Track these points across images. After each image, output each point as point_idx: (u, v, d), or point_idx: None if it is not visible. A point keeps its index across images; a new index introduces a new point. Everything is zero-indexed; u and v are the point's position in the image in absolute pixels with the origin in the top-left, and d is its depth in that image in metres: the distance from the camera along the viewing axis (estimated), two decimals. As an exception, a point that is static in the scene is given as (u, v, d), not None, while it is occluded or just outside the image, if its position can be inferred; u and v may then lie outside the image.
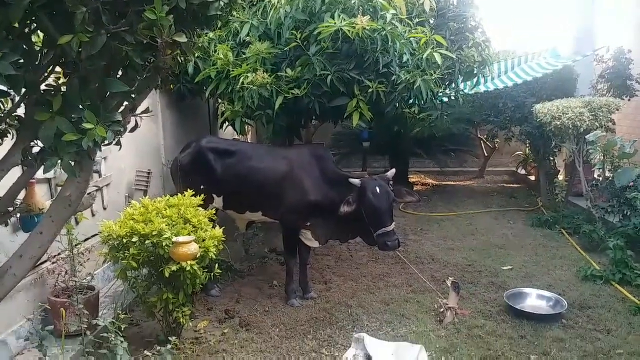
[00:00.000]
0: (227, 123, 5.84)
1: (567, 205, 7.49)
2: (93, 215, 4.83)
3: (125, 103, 2.08)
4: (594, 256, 5.63)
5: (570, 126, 6.22)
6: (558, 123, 6.34)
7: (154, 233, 3.54)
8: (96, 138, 1.71)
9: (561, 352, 3.69)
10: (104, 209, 5.04)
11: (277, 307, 4.57)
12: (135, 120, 2.26)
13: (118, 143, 2.05)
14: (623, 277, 4.87)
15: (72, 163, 1.84)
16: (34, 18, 1.71)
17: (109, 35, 1.65)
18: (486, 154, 11.21)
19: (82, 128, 1.69)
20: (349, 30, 4.55)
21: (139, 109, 2.28)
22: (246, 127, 7.27)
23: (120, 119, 1.88)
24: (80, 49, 1.60)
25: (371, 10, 4.97)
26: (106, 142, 1.85)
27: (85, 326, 3.17)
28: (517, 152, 10.56)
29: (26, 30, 1.79)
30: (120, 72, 2.00)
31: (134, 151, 5.78)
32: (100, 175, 4.94)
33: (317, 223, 4.61)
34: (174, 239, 3.42)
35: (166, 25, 1.66)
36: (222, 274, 5.22)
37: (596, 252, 5.70)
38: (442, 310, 4.23)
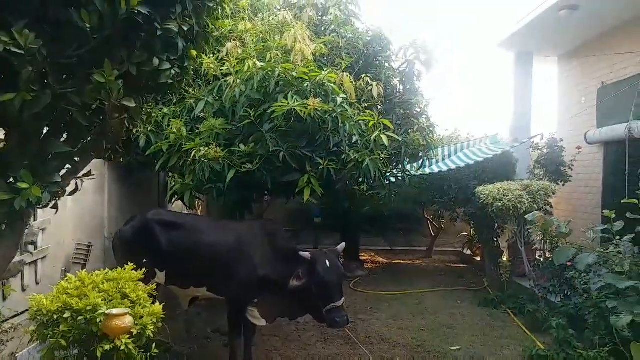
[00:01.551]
0: (176, 197, 5.77)
1: (512, 285, 7.66)
2: (24, 290, 4.51)
3: (68, 166, 2.03)
4: (539, 336, 5.70)
5: (511, 208, 6.52)
6: (500, 204, 6.65)
7: (88, 308, 3.30)
8: (31, 199, 1.64)
9: None
10: (37, 283, 4.73)
11: (219, 392, 4.28)
12: (76, 183, 2.19)
13: (55, 206, 1.96)
14: (567, 356, 4.92)
15: (2, 225, 1.74)
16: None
17: (54, 95, 1.64)
18: (433, 234, 11.48)
19: (17, 188, 1.62)
20: (301, 111, 4.73)
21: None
22: (196, 202, 7.19)
23: (59, 180, 1.82)
24: (23, 108, 1.58)
25: (323, 93, 5.21)
26: (42, 203, 1.77)
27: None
28: (463, 233, 10.89)
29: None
30: (64, 135, 1.97)
31: (76, 223, 5.56)
32: (35, 248, 4.68)
33: (266, 299, 4.47)
34: (108, 311, 3.21)
35: (115, 89, 1.68)
36: (161, 356, 4.90)
37: (540, 331, 5.78)
38: (391, 393, 4.09)
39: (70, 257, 5.28)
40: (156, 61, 1.83)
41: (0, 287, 3.69)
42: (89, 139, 1.99)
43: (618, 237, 4.26)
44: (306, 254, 4.24)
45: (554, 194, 7.31)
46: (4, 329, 3.71)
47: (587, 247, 5.30)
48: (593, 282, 4.61)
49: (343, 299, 4.20)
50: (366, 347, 5.40)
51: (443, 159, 9.40)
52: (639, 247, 4.60)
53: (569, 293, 6.12)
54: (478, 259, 10.38)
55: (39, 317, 3.40)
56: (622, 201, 4.44)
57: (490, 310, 6.93)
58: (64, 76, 1.70)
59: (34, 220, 4.68)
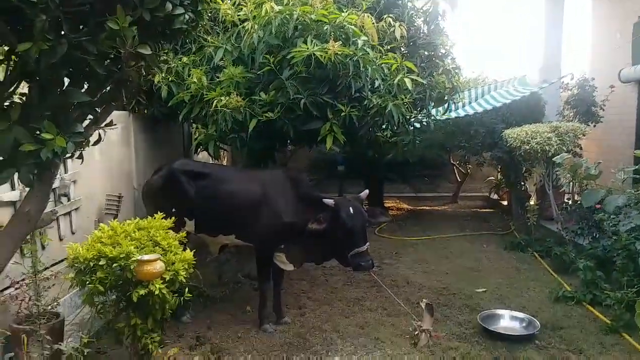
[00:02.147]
0: (201, 147, 5.82)
1: (539, 228, 7.61)
2: (61, 239, 4.70)
3: (90, 117, 2.05)
4: (566, 278, 5.70)
5: (539, 150, 6.39)
6: (527, 147, 6.51)
7: (121, 256, 3.44)
8: (56, 149, 1.67)
9: (534, 373, 3.69)
10: (73, 233, 4.91)
11: (250, 333, 4.46)
12: (99, 134, 2.21)
13: (80, 156, 2.00)
14: (594, 297, 4.93)
15: (31, 176, 1.79)
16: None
17: (70, 44, 1.63)
18: (459, 179, 11.39)
19: (41, 139, 1.65)
20: (321, 55, 4.62)
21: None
22: (221, 151, 7.25)
23: (82, 130, 1.84)
24: (40, 58, 1.58)
25: (343, 36, 5.06)
26: (67, 154, 1.81)
27: (48, 353, 3.03)
28: (490, 178, 10.76)
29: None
30: (84, 85, 1.97)
31: (105, 175, 5.68)
32: (69, 199, 4.83)
33: (292, 245, 4.56)
34: (139, 257, 3.32)
35: (129, 36, 1.66)
36: (194, 300, 5.11)
37: (567, 274, 5.78)
38: (416, 333, 4.18)
39: (102, 208, 5.44)
40: (169, 6, 1.79)
41: (38, 236, 3.83)
42: (108, 88, 1.98)
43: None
44: (330, 201, 4.28)
45: (584, 135, 7.10)
46: (45, 276, 3.89)
47: (618, 189, 5.19)
48: (622, 224, 4.53)
49: (367, 244, 4.26)
50: (391, 289, 5.48)
51: (469, 102, 9.17)
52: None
53: (597, 235, 6.06)
54: (505, 203, 10.30)
55: (76, 265, 3.55)
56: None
57: (516, 254, 6.94)
58: (80, 25, 1.68)
59: (65, 173, 4.81)
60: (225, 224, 4.59)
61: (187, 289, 3.73)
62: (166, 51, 2.25)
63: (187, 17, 1.96)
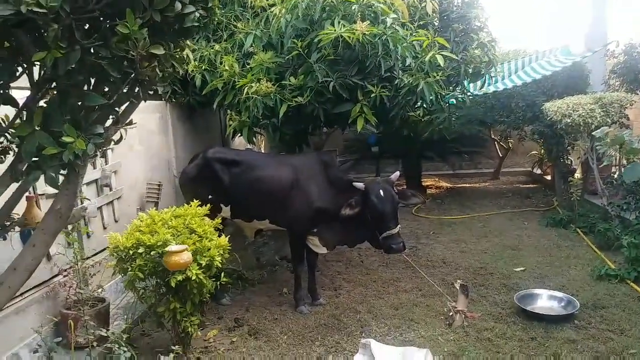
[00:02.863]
0: (236, 133, 5.92)
1: (583, 204, 7.35)
2: (105, 228, 4.93)
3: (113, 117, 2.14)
4: (610, 255, 5.51)
5: (581, 123, 6.13)
6: (569, 121, 6.25)
7: (159, 244, 3.59)
8: (76, 151, 1.76)
9: (572, 354, 3.62)
10: (116, 221, 5.14)
11: (286, 314, 4.58)
12: (120, 133, 2.31)
13: (104, 155, 2.08)
14: (638, 275, 4.76)
15: (57, 176, 1.89)
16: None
17: (83, 50, 1.70)
18: (501, 155, 11.09)
19: (63, 142, 1.74)
20: (348, 37, 4.57)
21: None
22: (258, 137, 7.36)
23: (102, 131, 1.93)
24: (55, 65, 1.65)
25: (372, 15, 4.99)
26: (89, 155, 1.90)
27: (92, 337, 3.22)
28: (532, 152, 10.43)
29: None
30: (104, 87, 2.05)
31: (145, 164, 5.89)
32: (111, 189, 5.05)
33: (324, 229, 4.62)
34: (167, 248, 3.46)
35: (140, 38, 1.71)
36: (233, 283, 5.29)
37: (612, 250, 5.59)
38: (451, 313, 4.19)
39: (144, 197, 5.66)
40: (179, 5, 1.83)
41: (78, 227, 4.03)
42: (126, 89, 2.06)
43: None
44: (360, 184, 4.29)
45: (631, 105, 6.74)
46: (89, 264, 4.12)
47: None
48: (670, 198, 4.32)
49: (399, 226, 4.26)
50: (428, 270, 5.49)
51: (510, 75, 8.86)
52: None
53: (646, 210, 5.79)
54: (548, 178, 9.97)
55: (116, 253, 3.74)
56: None
57: (558, 230, 6.75)
58: (92, 31, 1.74)
59: (106, 164, 5.02)
60: (259, 209, 4.69)
61: (222, 274, 3.87)
62: (180, 48, 2.27)
63: (197, 14, 1.99)
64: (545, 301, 4.45)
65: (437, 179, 11.28)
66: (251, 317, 4.56)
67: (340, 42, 4.65)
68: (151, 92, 2.41)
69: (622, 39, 7.83)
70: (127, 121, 2.24)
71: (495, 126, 9.95)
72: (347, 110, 5.11)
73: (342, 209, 4.26)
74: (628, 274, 4.79)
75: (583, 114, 6.10)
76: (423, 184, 10.30)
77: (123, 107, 2.22)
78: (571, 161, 8.85)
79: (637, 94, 7.60)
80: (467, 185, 10.86)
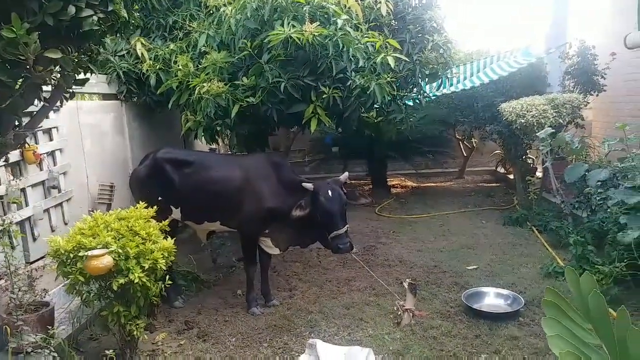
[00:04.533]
0: (192, 133, 5.86)
1: (541, 202, 7.50)
2: (53, 230, 4.83)
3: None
4: (561, 252, 5.64)
5: (535, 124, 6.26)
6: (523, 121, 6.39)
7: (99, 247, 3.53)
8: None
9: (512, 350, 3.69)
10: (65, 224, 5.04)
11: (238, 316, 4.55)
12: (23, 136, 2.25)
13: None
14: (584, 272, 4.85)
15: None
16: None
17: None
18: (465, 155, 11.25)
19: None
20: (298, 38, 4.57)
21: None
22: (222, 137, 7.29)
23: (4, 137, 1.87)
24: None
25: (324, 16, 5.00)
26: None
27: (26, 343, 3.15)
28: (496, 152, 10.60)
29: None
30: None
31: (98, 165, 5.79)
32: (59, 191, 4.95)
33: (276, 230, 4.61)
34: (88, 252, 3.40)
35: (31, 42, 1.66)
36: (187, 285, 5.24)
37: (562, 248, 5.70)
38: (399, 312, 4.23)
39: (96, 198, 5.56)
40: (72, 9, 1.79)
41: (8, 232, 3.91)
42: (19, 93, 2.00)
43: (634, 151, 4.02)
44: (309, 185, 4.30)
45: (584, 105, 6.92)
46: (33, 267, 4.02)
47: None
48: (610, 197, 4.43)
49: (347, 226, 4.28)
50: (384, 269, 5.54)
51: (472, 75, 8.99)
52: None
53: (595, 208, 5.94)
54: (511, 177, 10.15)
55: (58, 256, 3.66)
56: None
57: (515, 229, 6.88)
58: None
59: (54, 165, 4.92)
60: (210, 211, 4.65)
61: (167, 276, 3.83)
62: (79, 52, 2.20)
63: (95, 18, 1.95)
64: (492, 299, 4.53)
65: (403, 179, 11.37)
66: (202, 319, 4.52)
67: (290, 43, 4.65)
68: (67, 95, 2.35)
69: (576, 41, 8.01)
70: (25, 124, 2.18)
71: (458, 126, 10.09)
72: (301, 111, 5.12)
73: (292, 210, 4.27)
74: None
75: (536, 114, 6.24)
76: (388, 183, 10.38)
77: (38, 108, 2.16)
78: (533, 160, 9.05)
79: (592, 95, 7.78)
80: (432, 184, 10.98)
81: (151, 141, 7.01)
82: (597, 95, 7.77)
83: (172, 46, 5.96)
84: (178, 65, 5.49)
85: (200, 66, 5.40)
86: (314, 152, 10.79)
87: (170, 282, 3.86)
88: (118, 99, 6.42)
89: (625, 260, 4.44)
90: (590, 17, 8.94)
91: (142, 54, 5.93)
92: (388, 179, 10.47)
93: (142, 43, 5.96)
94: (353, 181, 9.39)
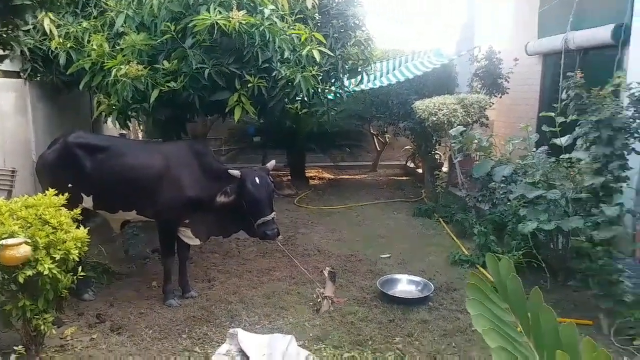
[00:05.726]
0: (106, 117, 5.55)
1: (447, 195, 8.01)
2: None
3: None
4: (466, 242, 6.09)
5: (445, 122, 6.66)
6: (435, 119, 6.77)
7: (4, 236, 3.27)
8: None
9: (424, 333, 3.95)
10: (-42, 212, 4.57)
11: (154, 308, 4.42)
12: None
13: None
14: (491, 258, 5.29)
15: None
16: None
17: None
18: (379, 149, 11.69)
19: None
20: (224, 25, 4.50)
21: None
22: (134, 122, 6.97)
23: None
24: None
25: (251, 4, 4.96)
26: None
27: None
28: (406, 147, 11.13)
29: None
30: None
31: (-4, 148, 5.31)
32: (-49, 175, 4.49)
33: (197, 220, 4.52)
34: (3, 241, 3.17)
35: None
36: (98, 277, 4.99)
37: (467, 238, 6.16)
38: (319, 300, 4.35)
39: (-6, 184, 5.10)
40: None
41: None
42: None
43: (534, 149, 4.46)
44: (236, 172, 4.28)
45: (490, 106, 7.47)
46: None
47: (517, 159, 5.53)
48: (511, 191, 4.87)
49: (274, 213, 4.32)
50: (303, 258, 5.63)
51: (387, 73, 9.35)
52: (556, 158, 4.86)
53: (496, 202, 6.47)
54: (420, 171, 10.72)
55: (-48, 247, 3.33)
56: (540, 114, 4.59)
57: (423, 220, 7.30)
58: None
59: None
60: (125, 199, 4.45)
61: (80, 268, 3.63)
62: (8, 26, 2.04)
63: None
64: (405, 285, 4.80)
65: (320, 170, 11.58)
66: (115, 312, 4.33)
67: (216, 29, 4.57)
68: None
69: (485, 45, 8.61)
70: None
71: (373, 121, 10.46)
72: (224, 99, 5.05)
73: (217, 196, 4.22)
74: (477, 259, 5.34)
75: (447, 113, 6.64)
76: (307, 174, 10.52)
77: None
78: (440, 156, 9.62)
79: (496, 97, 8.42)
80: (348, 176, 11.30)
81: (58, 124, 6.53)
82: (501, 97, 8.42)
83: (85, 24, 5.57)
84: (92, 45, 5.16)
85: (117, 47, 5.12)
86: (232, 141, 10.64)
87: (83, 274, 3.66)
88: (21, 77, 5.91)
89: (522, 249, 4.92)
90: (497, 24, 9.63)
91: (50, 30, 5.48)
92: (306, 171, 10.61)
93: (50, 18, 5.50)
94: (271, 172, 9.47)
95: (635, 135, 4.47)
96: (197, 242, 4.67)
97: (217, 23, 4.49)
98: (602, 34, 6.26)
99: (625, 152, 4.31)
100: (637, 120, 4.43)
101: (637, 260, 5.09)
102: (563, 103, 4.85)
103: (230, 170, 4.33)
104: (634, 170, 4.66)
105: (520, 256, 4.88)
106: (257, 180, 4.26)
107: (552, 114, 4.36)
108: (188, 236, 4.59)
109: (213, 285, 4.93)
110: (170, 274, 4.58)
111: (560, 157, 4.49)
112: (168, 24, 4.72)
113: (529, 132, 4.58)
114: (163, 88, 4.75)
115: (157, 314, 4.31)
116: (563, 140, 4.33)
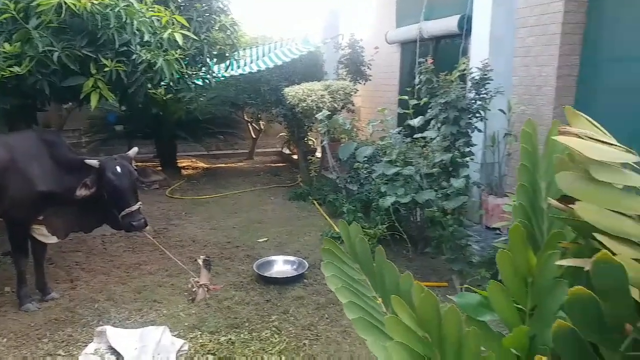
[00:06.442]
0: None
1: (321, 179, 8.32)
2: None
3: None
4: (337, 221, 6.36)
5: (314, 107, 6.89)
6: (304, 105, 6.96)
7: None
8: None
9: (299, 309, 4.10)
10: None
11: (8, 315, 4.01)
12: None
13: None
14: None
15: None
16: None
17: None
18: (254, 136, 11.70)
19: None
20: (74, 5, 4.17)
21: None
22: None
23: None
24: None
25: (105, -16, 4.63)
26: None
27: None
28: (281, 134, 11.29)
29: None
30: None
31: None
32: None
33: (53, 216, 4.17)
34: None
35: None
36: None
37: (338, 217, 6.47)
38: (194, 289, 4.29)
39: None
40: None
41: None
42: None
43: (391, 130, 4.82)
44: (93, 162, 4.00)
45: (354, 92, 7.86)
46: None
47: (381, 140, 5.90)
48: (374, 170, 5.22)
49: (139, 203, 4.12)
50: (177, 249, 5.49)
51: (257, 59, 9.35)
52: (412, 138, 5.30)
53: (362, 182, 6.87)
54: (295, 157, 10.95)
55: None
56: (399, 97, 4.95)
57: (299, 203, 7.51)
58: None
59: None
60: (-36, 197, 3.95)
61: None
62: None
63: None
64: (281, 266, 4.93)
65: (194, 160, 11.28)
66: (-42, 324, 3.86)
67: (64, 10, 4.20)
68: None
69: (348, 33, 9.01)
70: None
71: (247, 108, 10.42)
72: (79, 85, 4.68)
73: (76, 190, 3.91)
74: (347, 236, 5.63)
75: (315, 99, 6.87)
76: (178, 164, 10.19)
77: None
78: (313, 142, 9.92)
79: (360, 83, 8.88)
80: (223, 165, 11.17)
81: None
82: (364, 83, 8.90)
83: None
84: None
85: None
86: (92, 132, 9.90)
87: None
88: None
89: (386, 223, 5.30)
90: (360, 13, 10.12)
91: None
92: (178, 161, 10.27)
93: None
94: (139, 163, 8.99)
95: (477, 115, 5.04)
96: (54, 240, 4.30)
97: (65, 3, 4.13)
98: (449, 23, 6.92)
99: (470, 131, 4.85)
100: (478, 102, 5.01)
101: (483, 225, 5.79)
102: (417, 87, 5.31)
103: (87, 160, 4.04)
104: (477, 147, 5.28)
105: (384, 229, 5.26)
106: (119, 169, 4.01)
107: (407, 97, 4.74)
108: (43, 234, 4.21)
109: (77, 285, 4.61)
110: (24, 277, 4.17)
111: (414, 136, 4.91)
112: (6, 1, 4.24)
113: (385, 115, 4.94)
114: (4, 73, 4.26)
115: (11, 320, 3.92)
116: (416, 121, 4.74)
